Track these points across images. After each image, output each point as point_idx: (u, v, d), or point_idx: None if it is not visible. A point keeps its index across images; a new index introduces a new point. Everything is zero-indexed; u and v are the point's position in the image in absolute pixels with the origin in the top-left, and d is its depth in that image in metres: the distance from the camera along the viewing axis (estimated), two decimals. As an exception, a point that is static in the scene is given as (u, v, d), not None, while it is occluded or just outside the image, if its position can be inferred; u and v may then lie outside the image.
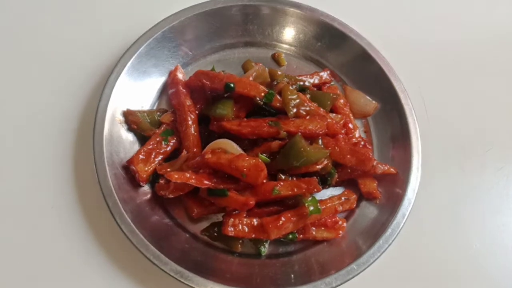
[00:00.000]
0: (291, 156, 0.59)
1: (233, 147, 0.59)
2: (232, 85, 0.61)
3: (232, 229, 0.58)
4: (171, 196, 0.59)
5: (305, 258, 0.61)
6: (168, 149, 0.63)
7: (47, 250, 0.59)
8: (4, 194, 0.62)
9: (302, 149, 0.58)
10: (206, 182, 0.57)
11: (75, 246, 0.60)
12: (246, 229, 0.59)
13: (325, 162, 0.61)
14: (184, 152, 0.61)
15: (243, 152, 0.59)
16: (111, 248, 0.60)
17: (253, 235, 0.59)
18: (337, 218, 0.63)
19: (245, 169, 0.56)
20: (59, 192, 0.62)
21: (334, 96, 0.68)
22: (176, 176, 0.56)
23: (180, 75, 0.68)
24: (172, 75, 0.68)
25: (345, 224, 0.63)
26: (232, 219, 0.59)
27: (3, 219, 0.60)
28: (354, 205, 0.65)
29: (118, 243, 0.59)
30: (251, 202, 0.57)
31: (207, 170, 0.58)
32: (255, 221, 0.59)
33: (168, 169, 0.60)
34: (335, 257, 0.60)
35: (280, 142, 0.60)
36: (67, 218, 0.61)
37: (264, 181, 0.58)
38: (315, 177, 0.60)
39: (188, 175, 0.57)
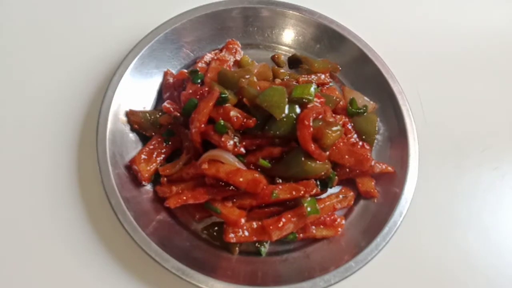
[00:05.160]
0: (291, 166, 0.59)
1: (228, 159, 0.58)
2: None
3: (233, 235, 0.59)
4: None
5: (305, 255, 0.62)
6: (169, 149, 0.64)
7: (50, 249, 0.60)
8: (7, 194, 0.62)
9: (302, 162, 0.59)
10: (203, 196, 0.59)
11: (78, 244, 0.60)
12: (247, 233, 0.59)
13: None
14: (185, 153, 0.62)
15: (238, 165, 0.59)
16: (113, 246, 0.60)
17: (255, 238, 0.59)
18: (336, 216, 0.63)
19: (243, 185, 0.57)
20: (62, 191, 0.63)
21: (338, 99, 0.69)
22: (174, 202, 0.58)
23: (170, 79, 0.69)
24: (164, 80, 0.70)
25: (343, 222, 0.64)
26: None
27: (6, 218, 0.61)
28: (352, 203, 0.66)
29: (120, 241, 0.59)
30: (241, 224, 0.58)
31: (208, 179, 0.59)
32: (254, 224, 0.60)
33: (168, 170, 0.62)
34: (334, 255, 0.61)
35: (282, 148, 0.61)
36: (70, 216, 0.61)
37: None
38: (313, 180, 0.60)
39: (185, 198, 0.58)
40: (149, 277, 0.59)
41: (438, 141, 0.75)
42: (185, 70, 0.70)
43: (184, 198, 0.59)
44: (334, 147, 0.62)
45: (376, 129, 0.69)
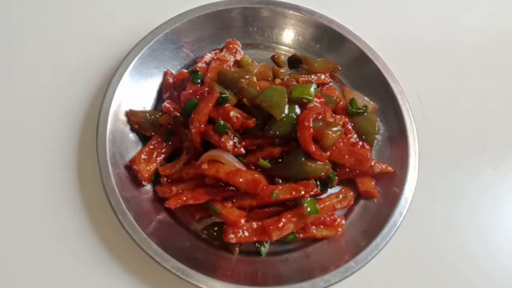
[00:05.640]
0: (291, 167, 0.59)
1: (228, 160, 0.58)
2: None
3: (233, 236, 0.59)
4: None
5: (305, 255, 0.62)
6: (169, 149, 0.64)
7: (50, 249, 0.60)
8: (7, 194, 0.62)
9: (302, 163, 0.59)
10: (203, 197, 0.59)
11: (78, 244, 0.60)
12: (247, 234, 0.59)
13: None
14: (185, 153, 0.62)
15: (238, 165, 0.59)
16: (113, 246, 0.60)
17: (255, 238, 0.59)
18: (336, 216, 0.63)
19: (242, 185, 0.57)
20: (62, 191, 0.63)
21: (338, 99, 0.69)
22: (174, 202, 0.58)
23: (170, 79, 0.69)
24: (164, 80, 0.70)
25: (343, 222, 0.64)
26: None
27: (6, 218, 0.61)
28: (352, 202, 0.66)
29: (120, 241, 0.59)
30: (241, 224, 0.58)
31: (209, 180, 0.59)
32: (254, 224, 0.60)
33: (168, 170, 0.62)
34: (334, 255, 0.61)
35: (282, 148, 0.61)
36: (70, 216, 0.61)
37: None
38: (313, 180, 0.60)
39: (185, 198, 0.58)
40: (149, 277, 0.59)
41: (438, 141, 0.75)
42: (185, 70, 0.70)
43: (184, 198, 0.59)
44: (334, 147, 0.62)
45: (376, 129, 0.69)
